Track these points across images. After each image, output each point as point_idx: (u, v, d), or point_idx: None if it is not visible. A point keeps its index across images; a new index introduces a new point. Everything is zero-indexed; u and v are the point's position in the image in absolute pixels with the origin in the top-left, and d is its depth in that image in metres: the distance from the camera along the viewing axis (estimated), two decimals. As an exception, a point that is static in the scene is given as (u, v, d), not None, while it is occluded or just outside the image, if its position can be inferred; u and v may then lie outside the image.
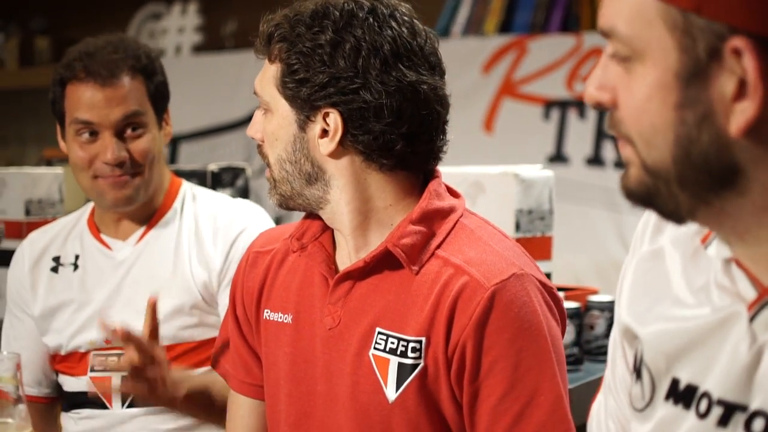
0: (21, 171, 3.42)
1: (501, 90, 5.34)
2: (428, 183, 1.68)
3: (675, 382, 1.14)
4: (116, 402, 2.27)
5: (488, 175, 2.44)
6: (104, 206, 2.31)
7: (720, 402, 1.07)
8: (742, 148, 0.99)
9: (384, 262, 1.64)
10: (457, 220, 1.66)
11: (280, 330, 1.75)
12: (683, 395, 1.12)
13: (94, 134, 2.25)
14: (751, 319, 1.05)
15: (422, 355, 1.58)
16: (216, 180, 3.08)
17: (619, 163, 4.91)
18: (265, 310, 1.79)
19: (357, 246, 1.68)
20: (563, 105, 5.17)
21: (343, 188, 1.65)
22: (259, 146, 1.73)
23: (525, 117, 5.25)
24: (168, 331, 2.21)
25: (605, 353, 2.51)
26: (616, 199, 4.89)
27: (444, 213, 1.65)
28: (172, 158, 6.19)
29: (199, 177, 3.06)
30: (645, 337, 1.18)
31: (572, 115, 5.13)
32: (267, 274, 1.80)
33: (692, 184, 1.03)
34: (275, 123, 1.67)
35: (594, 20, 5.23)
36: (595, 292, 2.76)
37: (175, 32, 6.75)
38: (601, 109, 1.08)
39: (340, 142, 1.62)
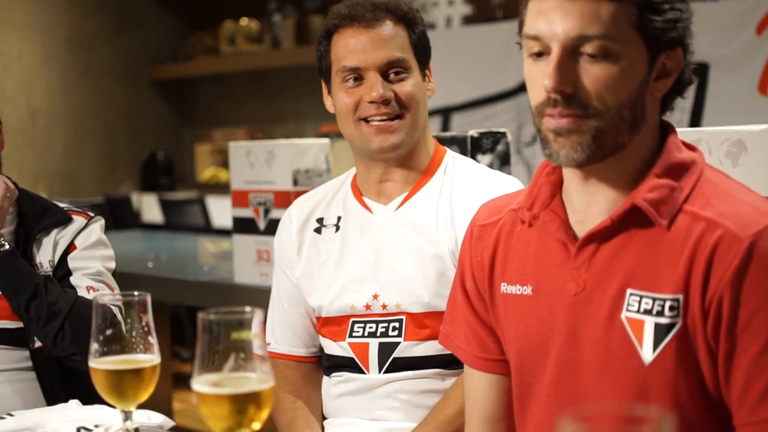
0: (289, 142, 3.53)
1: (776, 50, 5.16)
2: (666, 135, 1.66)
3: None
4: (373, 367, 2.31)
5: (751, 132, 2.36)
6: (369, 153, 2.33)
7: None
8: None
9: (630, 219, 1.61)
10: (700, 173, 1.63)
11: (521, 302, 1.74)
12: None
13: (358, 80, 2.30)
14: None
15: (680, 313, 1.55)
16: (475, 145, 3.06)
17: None
18: (502, 284, 1.78)
19: (613, 200, 1.64)
20: None
21: (644, 134, 1.63)
22: (565, 96, 1.57)
23: (803, 77, 5.05)
24: (427, 300, 2.26)
25: None
26: None
27: (686, 166, 1.63)
28: (444, 129, 6.25)
29: (459, 143, 3.05)
30: None
31: None
32: (497, 247, 1.79)
33: None
34: (624, 66, 1.56)
35: None
36: None
37: (446, 4, 6.82)
38: None
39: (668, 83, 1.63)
